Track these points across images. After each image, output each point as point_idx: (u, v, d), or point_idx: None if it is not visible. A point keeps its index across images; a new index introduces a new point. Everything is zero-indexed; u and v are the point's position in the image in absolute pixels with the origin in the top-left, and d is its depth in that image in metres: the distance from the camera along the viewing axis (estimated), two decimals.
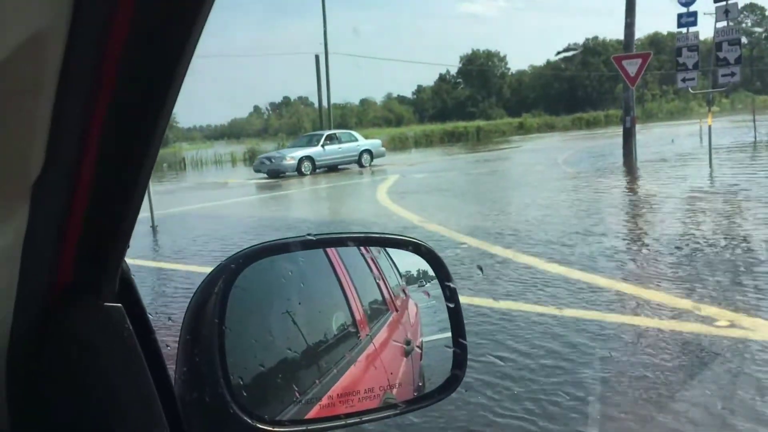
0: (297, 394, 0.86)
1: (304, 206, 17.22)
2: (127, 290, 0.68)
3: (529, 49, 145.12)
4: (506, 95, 79.62)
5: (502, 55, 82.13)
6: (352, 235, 1.02)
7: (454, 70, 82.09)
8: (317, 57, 38.88)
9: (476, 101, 76.97)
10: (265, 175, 25.22)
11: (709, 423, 3.49)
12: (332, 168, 26.59)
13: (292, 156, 25.62)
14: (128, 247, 0.65)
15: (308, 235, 0.92)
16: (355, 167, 26.97)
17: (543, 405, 3.75)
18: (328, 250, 1.05)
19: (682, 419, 3.51)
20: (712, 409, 3.63)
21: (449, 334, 1.04)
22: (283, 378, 0.86)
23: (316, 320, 0.96)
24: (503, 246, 8.49)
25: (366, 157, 27.72)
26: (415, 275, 1.13)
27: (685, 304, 5.53)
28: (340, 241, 1.05)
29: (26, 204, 0.56)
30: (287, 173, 24.95)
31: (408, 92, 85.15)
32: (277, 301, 0.93)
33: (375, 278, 1.11)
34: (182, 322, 0.79)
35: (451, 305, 1.00)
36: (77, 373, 0.66)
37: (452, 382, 0.96)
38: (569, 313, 5.49)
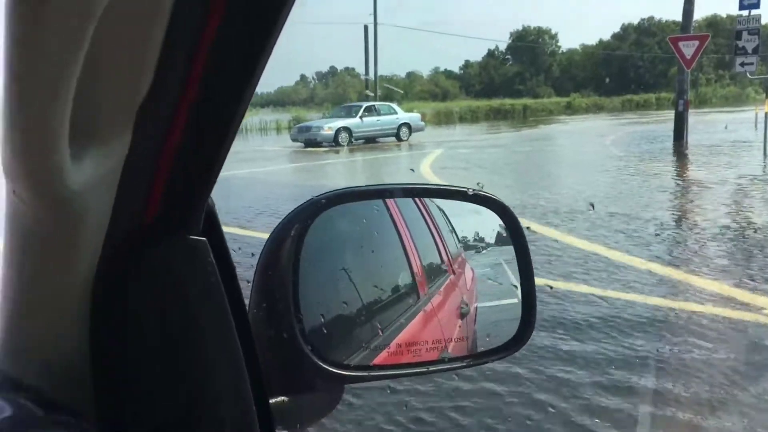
0: (371, 338, 0.86)
1: (353, 177, 17.24)
2: (211, 225, 0.68)
3: (581, 27, 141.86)
4: (555, 74, 78.24)
5: (553, 32, 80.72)
6: (437, 186, 1.01)
7: (503, 46, 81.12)
8: (366, 27, 38.83)
9: (524, 79, 75.82)
10: (302, 145, 25.05)
11: None
12: (370, 140, 26.18)
13: (329, 126, 25.33)
14: (215, 182, 0.65)
15: (398, 184, 0.92)
16: (393, 140, 26.57)
17: None
18: (391, 207, 1.04)
19: None
20: None
21: (506, 301, 1.03)
22: (351, 323, 0.87)
23: (384, 270, 0.97)
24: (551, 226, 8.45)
25: (404, 130, 27.16)
26: (473, 239, 1.12)
27: None
28: (426, 192, 1.04)
29: (129, 130, 0.57)
30: (324, 143, 24.70)
31: (455, 67, 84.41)
32: (350, 248, 0.93)
33: (434, 239, 1.11)
34: (257, 260, 0.80)
35: (523, 261, 0.98)
36: (160, 306, 0.66)
37: (519, 338, 0.95)
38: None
